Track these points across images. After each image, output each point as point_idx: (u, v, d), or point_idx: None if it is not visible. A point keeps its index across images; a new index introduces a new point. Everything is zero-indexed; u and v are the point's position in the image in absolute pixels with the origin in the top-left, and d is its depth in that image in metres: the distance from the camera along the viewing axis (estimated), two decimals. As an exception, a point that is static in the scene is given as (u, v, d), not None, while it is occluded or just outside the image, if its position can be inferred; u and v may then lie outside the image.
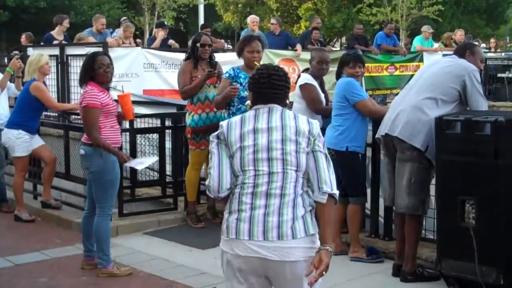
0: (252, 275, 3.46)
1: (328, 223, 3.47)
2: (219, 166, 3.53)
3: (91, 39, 12.35)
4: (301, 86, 7.05)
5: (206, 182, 3.61)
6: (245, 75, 7.13)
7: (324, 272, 3.32)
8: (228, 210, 3.49)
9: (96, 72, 6.15)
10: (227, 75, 7.33)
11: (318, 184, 3.47)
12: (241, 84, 7.12)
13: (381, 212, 6.86)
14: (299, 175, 3.46)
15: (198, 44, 7.86)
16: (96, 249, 6.32)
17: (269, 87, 3.61)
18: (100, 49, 10.35)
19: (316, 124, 3.60)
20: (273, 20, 16.19)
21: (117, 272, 6.23)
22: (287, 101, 3.69)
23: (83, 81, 6.21)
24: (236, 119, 3.62)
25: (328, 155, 3.57)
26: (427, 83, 5.90)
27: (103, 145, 6.07)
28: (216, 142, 3.58)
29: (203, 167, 8.09)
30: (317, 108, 7.02)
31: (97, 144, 6.05)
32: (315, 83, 7.04)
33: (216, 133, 3.62)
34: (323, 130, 6.83)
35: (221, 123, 3.69)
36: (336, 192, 3.49)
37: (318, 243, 3.45)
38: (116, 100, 6.42)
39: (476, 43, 17.59)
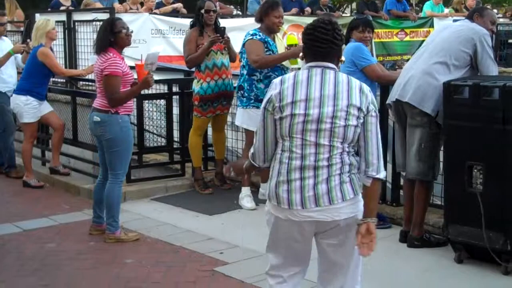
0: (302, 233, 3.59)
1: (373, 199, 3.57)
2: (264, 138, 3.61)
3: (98, 5, 12.25)
4: None
5: (250, 152, 3.71)
6: (271, 41, 7.09)
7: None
8: (276, 179, 3.54)
9: (118, 36, 6.06)
10: (258, 37, 7.06)
11: (365, 167, 3.54)
12: (269, 48, 7.04)
13: (389, 178, 6.83)
14: (345, 146, 3.50)
15: (202, 11, 7.76)
16: (106, 215, 6.34)
17: (311, 39, 3.55)
18: (107, 15, 10.32)
19: (370, 94, 3.56)
20: None
21: (124, 238, 6.25)
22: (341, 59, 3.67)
23: (101, 47, 6.06)
24: (289, 77, 3.57)
25: (379, 132, 3.58)
26: (438, 48, 5.83)
27: (130, 95, 6.10)
28: (267, 107, 3.57)
29: (210, 133, 8.09)
30: None
31: (123, 102, 6.06)
32: None
33: (268, 97, 3.58)
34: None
35: (273, 81, 3.64)
36: (382, 176, 3.55)
37: (361, 199, 3.56)
38: (131, 67, 6.34)
39: (488, 7, 17.44)
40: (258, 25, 7.23)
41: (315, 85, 3.49)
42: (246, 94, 7.09)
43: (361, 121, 3.49)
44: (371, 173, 3.52)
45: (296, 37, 7.33)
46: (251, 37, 7.08)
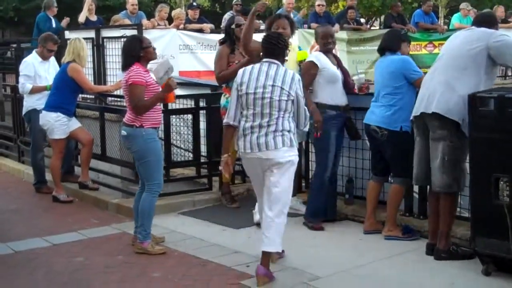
0: (256, 166, 5.53)
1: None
2: (235, 106, 5.54)
3: (127, 21, 12.39)
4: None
5: (228, 115, 5.58)
6: None
7: None
8: (237, 135, 5.54)
9: (146, 50, 6.29)
10: None
11: (298, 125, 5.57)
12: None
13: (416, 189, 6.81)
14: (280, 114, 5.40)
15: (233, 26, 7.81)
16: (138, 223, 6.42)
17: (265, 42, 5.63)
18: (135, 31, 10.44)
19: (298, 81, 5.48)
20: (320, 1, 15.65)
21: (150, 250, 6.30)
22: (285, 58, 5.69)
23: (129, 63, 6.27)
24: (248, 69, 5.54)
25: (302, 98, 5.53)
26: (453, 56, 5.87)
27: (154, 101, 6.23)
28: (235, 87, 5.52)
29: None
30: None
31: (147, 110, 6.19)
32: (323, 59, 6.93)
33: (235, 80, 5.54)
34: (364, 109, 6.74)
35: (239, 70, 5.59)
36: (306, 129, 5.79)
37: (294, 151, 5.49)
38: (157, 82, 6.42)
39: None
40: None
41: (262, 74, 5.47)
42: None
43: (292, 98, 5.41)
44: (302, 128, 5.64)
45: (307, 53, 7.30)
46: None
